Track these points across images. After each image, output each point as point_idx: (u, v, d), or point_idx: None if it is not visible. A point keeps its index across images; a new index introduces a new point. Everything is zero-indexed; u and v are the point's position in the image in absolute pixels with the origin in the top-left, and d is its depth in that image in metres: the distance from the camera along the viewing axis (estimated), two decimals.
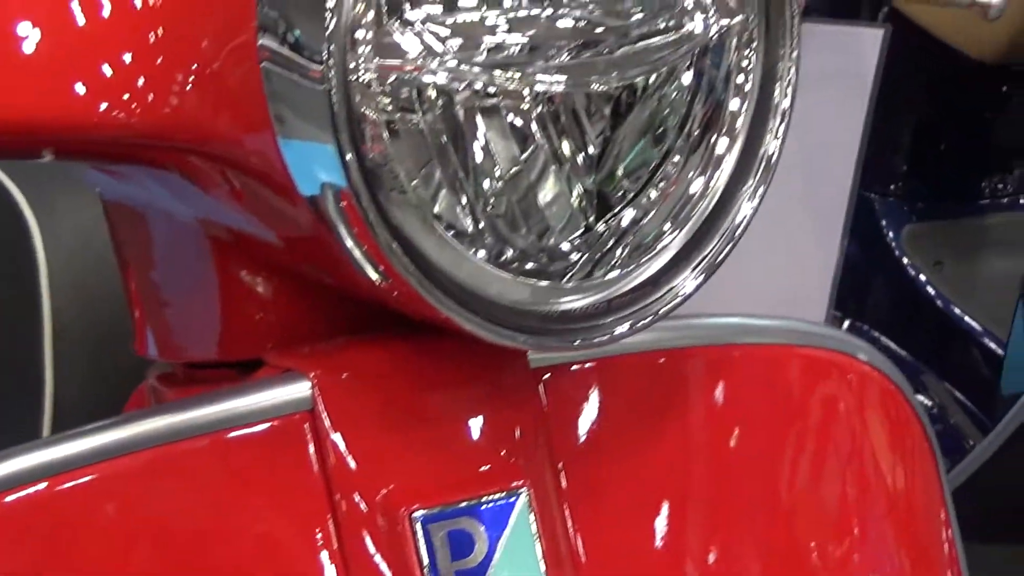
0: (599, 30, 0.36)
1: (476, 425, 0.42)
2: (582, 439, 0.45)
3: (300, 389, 0.39)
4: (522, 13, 0.36)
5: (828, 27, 0.82)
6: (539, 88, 0.37)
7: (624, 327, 0.39)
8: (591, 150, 0.39)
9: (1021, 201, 1.41)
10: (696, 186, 0.40)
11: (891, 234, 1.40)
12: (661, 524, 0.45)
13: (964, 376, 1.35)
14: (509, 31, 0.35)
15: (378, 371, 0.41)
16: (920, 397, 1.36)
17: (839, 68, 0.83)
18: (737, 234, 0.41)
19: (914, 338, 1.39)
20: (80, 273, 0.77)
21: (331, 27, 0.32)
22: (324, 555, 0.39)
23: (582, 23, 0.36)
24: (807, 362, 0.50)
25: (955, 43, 1.35)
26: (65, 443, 0.39)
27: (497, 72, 0.35)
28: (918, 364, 1.36)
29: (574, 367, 0.45)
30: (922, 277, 1.37)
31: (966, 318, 1.34)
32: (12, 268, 0.80)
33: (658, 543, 0.45)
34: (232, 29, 0.36)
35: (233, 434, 0.39)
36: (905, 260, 1.39)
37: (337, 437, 0.40)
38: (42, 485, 0.37)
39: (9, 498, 0.37)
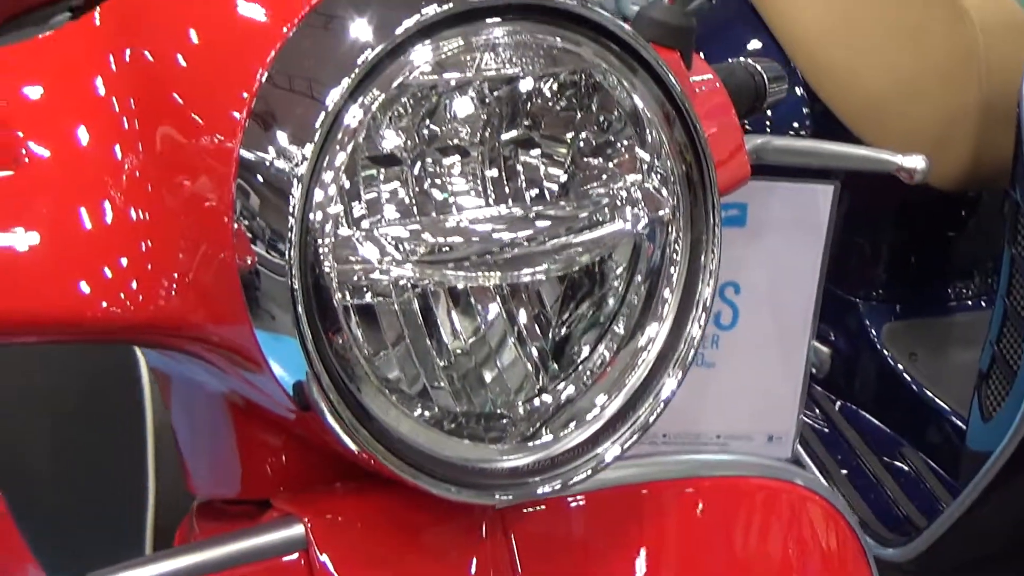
0: (538, 226, 0.38)
1: (449, 562, 0.44)
2: (546, 566, 0.46)
3: (297, 531, 0.42)
4: (468, 217, 0.37)
5: (786, 183, 0.86)
6: (481, 283, 0.38)
7: (557, 484, 0.40)
8: (542, 324, 0.41)
9: (981, 303, 1.54)
10: (627, 365, 0.42)
11: (873, 331, 1.51)
12: None
13: (934, 447, 1.42)
14: (456, 236, 0.36)
15: (364, 515, 0.43)
16: (899, 464, 1.43)
17: (797, 217, 0.89)
18: (662, 405, 0.42)
19: (893, 416, 1.48)
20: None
21: (294, 237, 0.33)
22: None
23: (522, 231, 0.37)
24: (755, 490, 0.52)
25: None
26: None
27: (447, 271, 0.37)
28: (897, 437, 1.46)
29: (531, 508, 0.46)
30: (899, 366, 1.47)
31: (936, 400, 1.42)
32: (122, 380, 0.89)
33: None
34: (211, 239, 0.37)
35: (243, 570, 0.42)
36: (885, 352, 1.50)
37: (327, 573, 0.43)
38: None
39: None
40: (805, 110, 1.40)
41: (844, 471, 1.40)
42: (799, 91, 1.40)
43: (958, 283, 1.57)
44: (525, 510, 0.46)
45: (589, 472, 0.41)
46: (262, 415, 0.44)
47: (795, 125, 1.40)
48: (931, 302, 1.56)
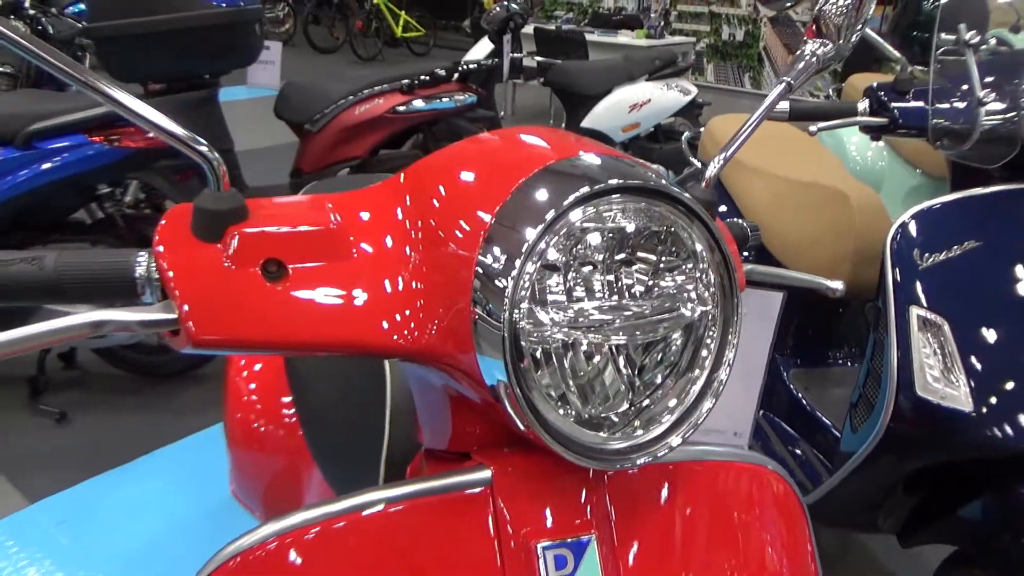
0: (634, 311, 0.50)
1: (569, 498, 0.54)
2: (626, 512, 0.56)
3: (486, 474, 0.54)
4: (594, 304, 0.49)
5: (755, 291, 1.02)
6: (614, 340, 0.51)
7: (645, 459, 0.52)
8: (632, 364, 0.53)
9: (848, 362, 1.95)
10: (683, 390, 0.54)
11: (785, 372, 1.89)
12: (677, 567, 0.57)
13: (820, 445, 1.73)
14: (598, 314, 0.49)
15: (523, 468, 0.55)
16: (797, 452, 1.73)
17: (761, 309, 1.06)
18: (704, 416, 0.53)
19: (794, 423, 1.82)
20: (405, 383, 0.93)
21: (507, 310, 0.45)
22: (495, 568, 0.53)
23: (624, 313, 0.50)
24: (738, 470, 0.62)
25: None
26: (359, 497, 0.54)
27: (591, 335, 0.50)
28: (796, 437, 1.79)
29: (619, 474, 0.57)
30: (799, 394, 1.83)
31: (820, 416, 1.76)
32: (374, 380, 1.00)
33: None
34: (458, 304, 0.49)
35: (452, 495, 0.54)
36: (791, 385, 1.86)
37: (501, 502, 0.54)
38: (372, 511, 0.53)
39: (337, 525, 0.53)
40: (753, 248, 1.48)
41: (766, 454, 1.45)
42: None
43: (834, 349, 1.98)
44: (612, 477, 0.56)
45: (663, 452, 0.52)
46: (467, 402, 0.55)
47: (745, 254, 1.34)
48: (819, 359, 1.95)
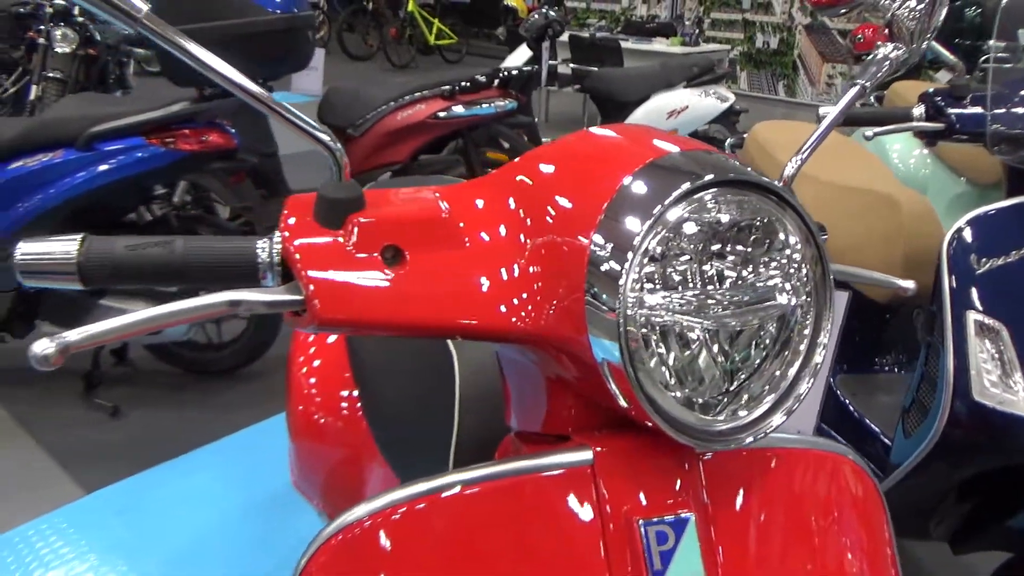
0: (730, 300, 0.53)
1: (669, 478, 0.56)
2: (718, 494, 0.58)
3: (588, 454, 0.56)
4: (690, 292, 0.52)
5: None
6: (708, 326, 0.53)
7: (748, 438, 0.54)
8: (727, 355, 0.55)
9: (895, 369, 1.92)
10: (779, 377, 0.56)
11: (832, 379, 1.83)
12: (766, 549, 0.57)
13: (869, 452, 1.69)
14: (697, 301, 0.52)
15: (625, 447, 0.56)
16: None
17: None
18: (802, 396, 0.55)
19: (841, 431, 1.78)
20: (475, 376, 0.99)
21: (621, 298, 0.48)
22: (597, 544, 0.54)
23: (726, 300, 0.53)
24: (820, 458, 0.63)
25: (869, 296, 1.80)
26: (464, 474, 0.55)
27: (682, 317, 0.52)
28: (844, 442, 1.57)
29: (716, 456, 0.58)
30: (847, 401, 1.81)
31: (871, 424, 1.73)
32: (442, 373, 1.02)
33: (768, 558, 0.57)
34: (572, 290, 0.52)
35: (553, 474, 0.56)
36: (838, 392, 1.83)
37: (602, 481, 0.56)
38: (447, 493, 0.54)
39: (419, 505, 0.55)
40: None
41: None
42: None
43: (880, 356, 1.95)
44: (709, 457, 0.59)
45: (765, 433, 0.55)
46: (565, 385, 0.58)
47: None
48: (865, 365, 1.93)
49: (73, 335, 0.50)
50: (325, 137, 0.56)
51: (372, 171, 3.50)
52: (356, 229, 0.54)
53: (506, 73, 3.69)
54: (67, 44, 4.19)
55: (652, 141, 0.55)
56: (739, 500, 0.59)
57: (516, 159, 0.60)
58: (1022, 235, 1.32)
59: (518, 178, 0.58)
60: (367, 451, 1.19)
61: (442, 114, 3.54)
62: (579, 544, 0.54)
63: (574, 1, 10.33)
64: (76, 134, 2.33)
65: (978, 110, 1.46)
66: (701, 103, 4.41)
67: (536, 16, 4.60)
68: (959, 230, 1.38)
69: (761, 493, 0.59)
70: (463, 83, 3.57)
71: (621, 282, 0.49)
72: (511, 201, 0.57)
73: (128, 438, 2.50)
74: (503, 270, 0.55)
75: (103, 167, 2.33)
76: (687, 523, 0.54)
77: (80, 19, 4.28)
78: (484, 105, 3.59)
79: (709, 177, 0.50)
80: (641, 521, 0.53)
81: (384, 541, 0.54)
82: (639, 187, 0.51)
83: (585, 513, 0.54)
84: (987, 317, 1.28)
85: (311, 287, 0.52)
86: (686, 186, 0.50)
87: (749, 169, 0.53)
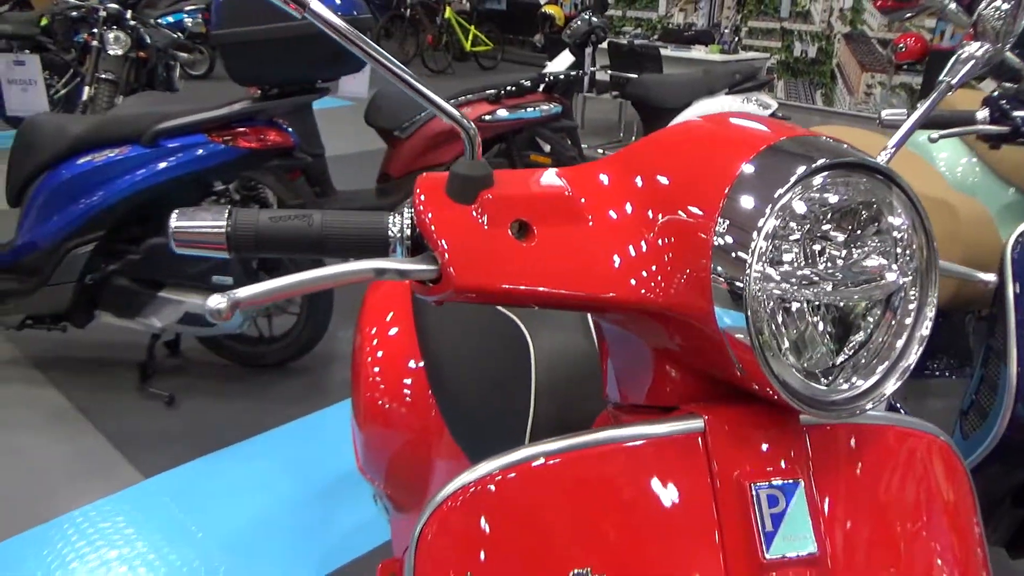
0: (838, 277, 0.54)
1: (778, 446, 0.58)
2: (823, 464, 0.59)
3: (699, 423, 0.58)
4: (806, 268, 0.54)
5: None
6: (821, 300, 0.55)
7: (868, 406, 0.56)
8: (837, 324, 0.57)
9: (945, 373, 1.94)
10: (888, 348, 0.58)
11: None
12: (864, 516, 0.58)
13: None
14: (801, 275, 0.54)
15: (735, 415, 0.58)
16: None
17: None
18: (910, 366, 0.57)
19: None
20: (551, 362, 1.02)
21: (748, 273, 0.51)
22: (710, 505, 0.56)
23: (840, 276, 0.55)
24: (915, 436, 0.65)
25: None
26: (576, 438, 0.58)
27: (799, 290, 0.54)
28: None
29: (819, 428, 0.60)
30: (898, 405, 1.61)
31: None
32: (516, 358, 1.05)
33: (864, 533, 0.58)
34: (699, 266, 0.54)
35: (665, 439, 0.58)
36: (890, 397, 1.45)
37: (713, 447, 0.58)
38: (541, 461, 0.57)
39: (508, 475, 0.57)
40: None
41: None
42: None
43: (933, 360, 1.98)
44: (814, 428, 0.60)
45: (880, 400, 0.56)
46: (673, 356, 0.60)
47: None
48: (917, 370, 1.80)
49: (242, 292, 0.54)
50: (463, 122, 0.60)
51: (417, 173, 3.55)
52: (487, 204, 0.57)
53: (551, 78, 3.73)
54: (119, 47, 4.32)
55: (764, 127, 0.58)
56: (841, 470, 0.60)
57: (636, 142, 0.63)
58: None
59: (640, 161, 0.61)
60: (435, 435, 1.22)
61: (487, 117, 3.60)
62: (691, 506, 0.56)
63: (612, 9, 10.35)
64: (141, 131, 2.41)
65: None
66: (743, 109, 4.41)
67: (579, 22, 4.65)
68: (1022, 235, 1.38)
69: (861, 464, 0.61)
70: (508, 87, 3.62)
71: (747, 259, 0.51)
72: (638, 180, 0.60)
73: (183, 426, 2.57)
74: (631, 246, 0.57)
75: (167, 163, 2.41)
76: (797, 487, 0.56)
77: (132, 23, 4.39)
78: (529, 109, 3.64)
79: (823, 161, 0.52)
80: (753, 485, 0.55)
81: (516, 495, 0.57)
82: (758, 172, 0.54)
83: (697, 477, 0.56)
84: None
85: (446, 255, 0.55)
86: (802, 169, 0.52)
87: (857, 151, 0.55)
